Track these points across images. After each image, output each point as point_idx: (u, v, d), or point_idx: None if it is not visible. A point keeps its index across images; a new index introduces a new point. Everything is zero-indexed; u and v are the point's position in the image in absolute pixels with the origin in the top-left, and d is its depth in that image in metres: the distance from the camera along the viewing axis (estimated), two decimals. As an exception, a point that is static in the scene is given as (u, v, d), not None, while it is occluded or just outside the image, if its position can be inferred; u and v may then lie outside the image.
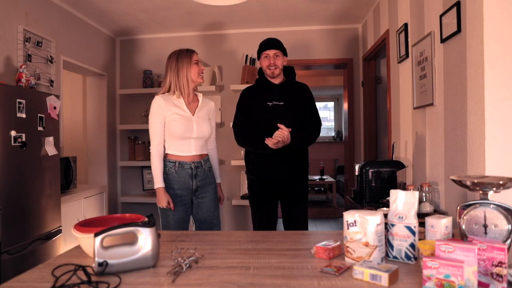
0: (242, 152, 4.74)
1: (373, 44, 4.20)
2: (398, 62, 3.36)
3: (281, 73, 2.90)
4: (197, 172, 2.63)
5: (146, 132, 5.06)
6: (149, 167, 5.02)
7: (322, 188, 8.50)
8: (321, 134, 3.00)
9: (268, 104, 2.82)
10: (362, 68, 4.81)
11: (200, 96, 2.73)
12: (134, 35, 5.14)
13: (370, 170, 2.83)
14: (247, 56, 4.82)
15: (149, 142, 4.91)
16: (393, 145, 3.15)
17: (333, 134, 11.10)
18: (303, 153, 2.92)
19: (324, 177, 8.40)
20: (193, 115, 2.62)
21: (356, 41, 4.91)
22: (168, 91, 2.65)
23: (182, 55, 2.60)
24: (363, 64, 4.76)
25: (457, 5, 2.26)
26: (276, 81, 2.90)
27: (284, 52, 2.90)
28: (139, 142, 4.98)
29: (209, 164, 2.73)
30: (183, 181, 2.61)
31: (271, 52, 2.85)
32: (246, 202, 4.52)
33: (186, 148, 2.61)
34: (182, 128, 2.56)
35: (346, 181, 5.21)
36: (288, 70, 2.97)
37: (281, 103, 2.82)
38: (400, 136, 3.38)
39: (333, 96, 10.96)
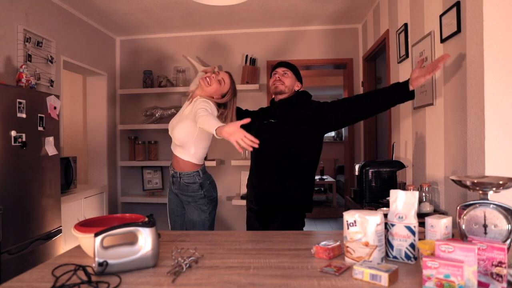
0: (242, 152, 4.74)
1: (373, 44, 4.20)
2: (398, 62, 3.36)
3: (287, 93, 2.65)
4: (173, 180, 2.66)
5: (146, 132, 5.08)
6: (149, 167, 5.04)
7: (322, 188, 8.51)
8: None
9: (263, 122, 2.64)
10: (362, 68, 4.81)
11: (197, 97, 2.63)
12: (134, 35, 5.14)
13: (370, 170, 2.83)
14: (247, 56, 4.82)
15: (149, 142, 4.97)
16: (393, 145, 3.15)
17: (333, 134, 11.11)
18: (292, 172, 2.51)
19: (324, 177, 8.42)
20: (182, 113, 2.65)
21: (356, 41, 4.91)
22: None
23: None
24: (363, 64, 4.76)
25: (457, 5, 2.26)
26: (279, 98, 2.68)
27: (296, 73, 2.69)
28: (139, 142, 4.98)
29: (188, 179, 2.59)
30: (170, 182, 2.72)
31: (280, 70, 2.67)
32: (245, 202, 4.52)
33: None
34: (169, 123, 2.69)
35: (346, 181, 5.20)
36: (301, 95, 2.69)
37: (274, 121, 2.59)
38: (400, 136, 3.38)
39: (333, 96, 10.96)
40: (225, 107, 2.64)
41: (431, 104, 2.65)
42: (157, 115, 4.88)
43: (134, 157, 5.01)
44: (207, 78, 2.58)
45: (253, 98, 4.85)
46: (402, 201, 1.46)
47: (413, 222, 1.44)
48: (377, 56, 4.41)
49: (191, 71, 4.97)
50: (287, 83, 2.63)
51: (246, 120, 2.08)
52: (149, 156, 5.00)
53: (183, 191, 2.61)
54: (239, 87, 4.62)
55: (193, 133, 2.52)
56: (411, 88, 2.28)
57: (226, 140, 2.77)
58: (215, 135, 2.11)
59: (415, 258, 1.43)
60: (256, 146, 1.98)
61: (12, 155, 2.65)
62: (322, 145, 2.64)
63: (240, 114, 2.80)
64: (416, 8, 2.96)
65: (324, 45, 4.93)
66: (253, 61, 4.85)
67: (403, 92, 2.32)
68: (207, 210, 2.62)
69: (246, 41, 4.98)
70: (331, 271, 1.34)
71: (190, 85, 3.00)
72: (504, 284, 1.18)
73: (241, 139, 1.97)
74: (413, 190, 2.47)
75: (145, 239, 1.40)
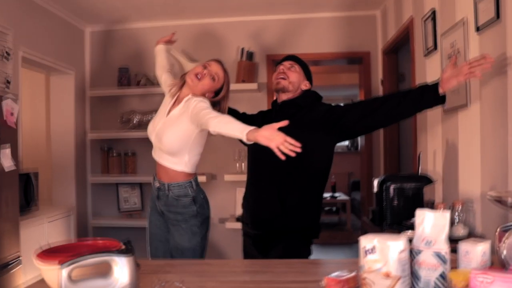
0: (238, 164, 4.74)
1: (394, 34, 4.22)
2: (425, 56, 3.37)
3: (291, 90, 2.65)
4: (159, 194, 2.64)
5: (122, 141, 5.07)
6: (125, 184, 5.03)
7: (334, 208, 8.50)
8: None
9: None
10: (381, 63, 4.83)
11: (188, 97, 2.62)
12: (108, 25, 5.14)
13: (392, 186, 2.84)
14: (243, 49, 4.84)
15: (125, 153, 4.96)
16: (419, 156, 3.16)
17: (346, 143, 11.12)
18: (295, 189, 2.53)
19: (336, 194, 8.39)
20: (167, 115, 2.64)
21: (373, 30, 4.93)
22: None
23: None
24: (382, 58, 4.78)
25: (494, -13, 2.27)
26: (282, 98, 2.69)
27: (305, 70, 2.71)
28: (113, 153, 4.99)
29: (178, 191, 2.58)
30: (152, 198, 2.73)
31: (286, 63, 2.69)
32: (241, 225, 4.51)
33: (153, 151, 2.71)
34: (149, 126, 2.71)
35: (362, 199, 5.20)
36: (308, 96, 2.71)
37: None
38: (427, 145, 3.39)
39: (346, 97, 10.99)
40: (218, 105, 2.66)
41: (465, 105, 2.66)
42: (135, 120, 4.88)
43: (108, 171, 5.01)
44: (197, 75, 2.58)
45: (250, 100, 4.84)
46: (431, 223, 1.47)
47: (444, 248, 1.44)
48: (399, 48, 4.43)
49: (175, 68, 4.95)
50: (292, 78, 2.64)
51: (284, 123, 2.09)
52: (126, 170, 5.00)
53: (172, 206, 2.60)
54: (233, 86, 4.60)
55: (189, 138, 2.53)
56: (441, 90, 2.29)
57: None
58: (244, 140, 2.13)
59: (447, 292, 1.44)
60: (299, 150, 2.00)
61: (-40, 169, 2.65)
62: (332, 156, 2.65)
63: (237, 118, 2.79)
64: (445, -9, 2.99)
65: (336, 36, 4.95)
66: (250, 56, 4.86)
67: (431, 95, 2.33)
68: (199, 234, 2.61)
69: (242, 32, 4.99)
70: (346, 307, 1.34)
71: (156, 71, 3.00)
72: (554, 322, 1.18)
73: (282, 143, 2.00)
74: (444, 209, 2.48)
75: (121, 270, 1.40)
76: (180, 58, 3.11)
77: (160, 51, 3.06)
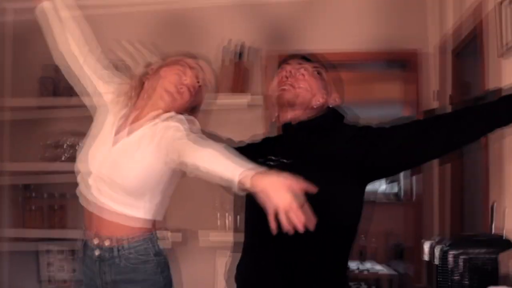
0: (219, 217, 4.69)
1: (455, 24, 4.27)
2: (500, 56, 3.39)
3: (299, 105, 2.61)
4: (101, 263, 2.55)
5: (46, 179, 5.03)
6: (51, 244, 5.01)
7: (365, 286, 8.46)
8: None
9: (268, 164, 2.51)
10: (436, 67, 4.87)
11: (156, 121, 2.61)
12: (24, 5, 5.15)
13: (452, 253, 2.86)
14: (231, 43, 4.88)
15: (50, 196, 4.95)
16: (492, 207, 3.18)
17: (383, 187, 11.10)
18: (309, 254, 2.53)
19: (367, 265, 8.35)
20: (117, 141, 2.60)
21: (423, 20, 5.00)
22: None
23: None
24: (439, 60, 4.82)
25: None
26: (287, 118, 2.67)
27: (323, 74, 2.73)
28: (33, 195, 4.99)
29: (137, 253, 2.53)
30: (89, 274, 2.64)
31: (293, 62, 2.69)
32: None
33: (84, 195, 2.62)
34: (84, 155, 2.66)
35: (408, 271, 5.21)
36: (328, 116, 2.74)
37: (287, 161, 2.55)
38: (505, 191, 3.40)
39: (385, 118, 11.01)
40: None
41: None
42: (65, 147, 4.86)
43: (24, 225, 4.97)
44: (180, 89, 2.59)
45: (241, 121, 4.84)
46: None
47: None
48: (461, 46, 4.43)
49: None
50: (304, 86, 2.61)
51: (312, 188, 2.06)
52: (51, 224, 4.96)
53: (125, 276, 2.53)
54: (224, 100, 4.60)
55: (160, 171, 2.51)
56: None
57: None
58: (235, 189, 2.07)
59: None
60: (311, 227, 1.97)
61: None
62: (362, 205, 2.66)
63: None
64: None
65: (367, 27, 4.98)
66: (240, 53, 4.85)
67: (504, 105, 2.38)
68: None
69: (229, 19, 5.01)
70: None
71: (70, 46, 3.03)
72: None
73: (294, 212, 1.93)
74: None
75: None
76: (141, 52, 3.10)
77: (51, 14, 3.07)
